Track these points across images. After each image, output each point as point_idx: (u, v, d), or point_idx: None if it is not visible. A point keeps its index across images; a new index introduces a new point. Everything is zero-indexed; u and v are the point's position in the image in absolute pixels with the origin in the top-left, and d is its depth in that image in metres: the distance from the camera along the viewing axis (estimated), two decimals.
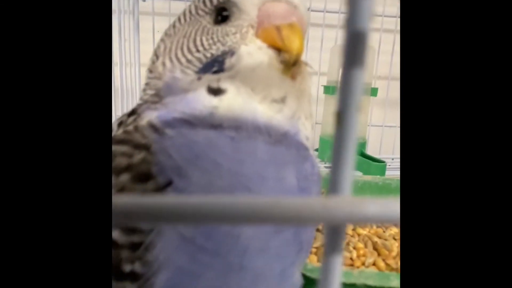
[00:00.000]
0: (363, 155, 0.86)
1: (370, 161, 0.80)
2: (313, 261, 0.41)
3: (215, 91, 0.26)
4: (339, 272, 0.13)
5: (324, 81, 0.91)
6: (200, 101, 0.25)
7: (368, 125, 0.94)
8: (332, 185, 0.11)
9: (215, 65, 0.27)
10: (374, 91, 0.88)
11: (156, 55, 0.31)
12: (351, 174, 0.11)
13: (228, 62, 0.27)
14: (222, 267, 0.23)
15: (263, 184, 0.24)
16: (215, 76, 0.26)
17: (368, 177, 0.61)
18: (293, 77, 0.27)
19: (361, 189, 0.58)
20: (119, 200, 0.09)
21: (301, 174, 0.26)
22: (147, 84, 0.31)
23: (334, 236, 0.12)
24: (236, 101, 0.25)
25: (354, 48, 0.10)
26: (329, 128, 0.90)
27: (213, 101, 0.25)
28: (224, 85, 0.26)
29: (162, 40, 0.32)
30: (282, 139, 0.26)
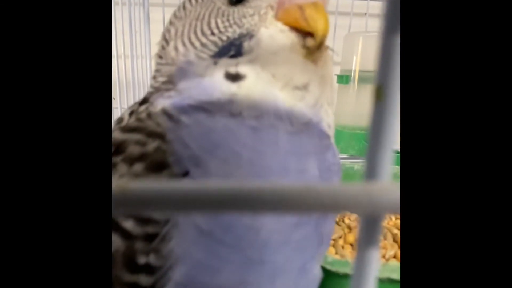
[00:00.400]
0: None
1: None
2: (331, 253, 0.40)
3: (234, 77, 0.24)
4: (375, 267, 0.11)
5: (337, 70, 0.89)
6: (217, 87, 0.24)
7: None
8: (370, 169, 0.09)
9: (232, 48, 0.26)
10: None
11: (165, 39, 0.30)
12: (391, 157, 0.10)
13: (247, 45, 0.25)
14: (241, 262, 0.22)
15: (284, 176, 0.23)
16: (233, 61, 0.25)
17: None
18: (315, 62, 0.26)
19: None
20: (133, 186, 0.08)
21: (323, 164, 0.25)
22: (157, 70, 0.29)
23: (371, 227, 0.11)
24: (256, 87, 0.24)
25: (395, 12, 0.09)
26: (343, 118, 0.88)
27: (231, 87, 0.24)
28: (243, 70, 0.24)
29: (171, 23, 0.30)
30: (304, 129, 0.24)
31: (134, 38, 0.81)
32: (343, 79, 0.85)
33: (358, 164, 0.58)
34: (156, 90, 0.27)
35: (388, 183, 0.09)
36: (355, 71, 0.85)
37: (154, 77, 0.29)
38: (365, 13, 0.93)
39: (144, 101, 0.27)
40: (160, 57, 0.30)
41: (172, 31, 0.29)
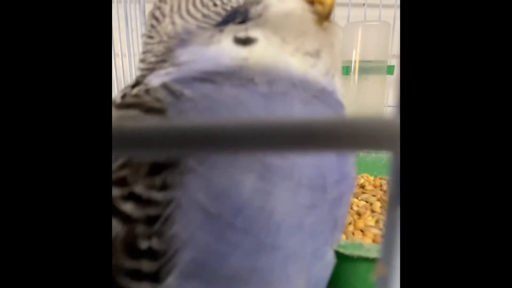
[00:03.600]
0: None
1: None
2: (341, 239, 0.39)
3: (244, 41, 0.23)
4: None
5: None
6: (226, 54, 0.22)
7: (385, 106, 0.90)
8: None
9: (238, 16, 0.24)
10: (390, 69, 0.85)
11: (156, 18, 0.27)
12: None
13: (254, 10, 0.24)
14: (252, 247, 0.21)
15: None
16: (241, 26, 0.24)
17: None
18: (325, 29, 0.25)
19: (385, 166, 0.55)
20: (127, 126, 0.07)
21: None
22: (147, 51, 0.27)
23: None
24: (267, 52, 0.23)
25: None
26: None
27: (241, 52, 0.22)
28: (253, 33, 0.23)
29: (162, 0, 0.28)
30: (319, 96, 0.23)
31: (130, 36, 0.80)
32: (343, 70, 0.84)
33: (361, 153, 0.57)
34: (149, 71, 0.25)
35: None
36: (355, 61, 0.84)
37: (143, 60, 0.27)
38: (364, 4, 0.92)
39: (137, 83, 0.25)
40: (150, 37, 0.28)
41: (167, 7, 0.27)
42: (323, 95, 0.23)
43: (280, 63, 0.22)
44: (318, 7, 0.24)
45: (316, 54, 0.24)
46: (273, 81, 0.22)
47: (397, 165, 0.08)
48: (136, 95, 0.23)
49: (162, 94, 0.22)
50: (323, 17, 0.24)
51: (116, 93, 0.79)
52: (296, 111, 0.22)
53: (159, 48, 0.26)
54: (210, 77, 0.22)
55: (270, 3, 0.24)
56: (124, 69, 0.83)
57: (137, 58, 0.82)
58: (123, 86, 0.83)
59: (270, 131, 0.07)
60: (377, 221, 0.40)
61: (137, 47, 0.82)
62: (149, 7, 0.84)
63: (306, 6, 0.24)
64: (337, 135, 0.08)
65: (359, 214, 0.42)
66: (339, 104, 0.25)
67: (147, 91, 0.22)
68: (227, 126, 0.07)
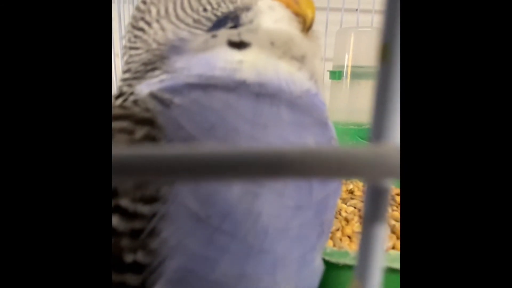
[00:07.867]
0: None
1: None
2: (329, 246, 0.39)
3: (238, 45, 0.24)
4: (381, 245, 0.11)
5: (329, 66, 0.89)
6: (222, 57, 0.23)
7: None
8: (376, 132, 0.09)
9: (228, 21, 0.25)
10: None
11: (139, 29, 0.27)
12: (398, 119, 0.09)
13: (245, 16, 0.25)
14: (239, 251, 0.21)
15: None
16: (234, 31, 0.25)
17: None
18: (309, 38, 0.27)
19: None
20: (117, 152, 0.08)
21: (324, 138, 0.25)
22: (132, 62, 0.27)
23: (377, 200, 0.10)
24: (260, 56, 0.24)
25: None
26: (336, 114, 0.88)
27: (236, 55, 0.23)
28: (246, 38, 0.24)
29: (147, 3, 0.28)
30: (304, 96, 0.24)
31: (123, 36, 0.80)
32: (336, 75, 0.85)
33: None
34: (137, 80, 0.25)
35: (397, 145, 0.09)
36: (347, 66, 0.85)
37: (127, 70, 0.27)
38: (356, 9, 0.93)
39: (120, 94, 0.25)
40: (135, 48, 0.27)
41: (152, 14, 0.27)
42: (308, 96, 0.25)
43: (270, 65, 0.24)
44: (301, 20, 0.26)
45: (301, 59, 0.25)
46: (264, 82, 0.23)
47: (373, 188, 0.09)
48: (123, 107, 0.23)
49: (151, 104, 0.22)
50: (305, 29, 0.26)
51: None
52: (284, 114, 0.23)
53: (147, 57, 0.26)
54: (205, 81, 0.22)
55: (261, 10, 0.25)
56: (117, 69, 0.82)
57: None
58: (114, 86, 0.83)
59: (263, 158, 0.08)
60: None
61: None
62: None
63: (293, 16, 0.26)
64: (328, 163, 0.08)
65: (347, 220, 0.43)
66: (322, 104, 0.26)
67: (135, 102, 0.23)
68: (210, 154, 0.08)
